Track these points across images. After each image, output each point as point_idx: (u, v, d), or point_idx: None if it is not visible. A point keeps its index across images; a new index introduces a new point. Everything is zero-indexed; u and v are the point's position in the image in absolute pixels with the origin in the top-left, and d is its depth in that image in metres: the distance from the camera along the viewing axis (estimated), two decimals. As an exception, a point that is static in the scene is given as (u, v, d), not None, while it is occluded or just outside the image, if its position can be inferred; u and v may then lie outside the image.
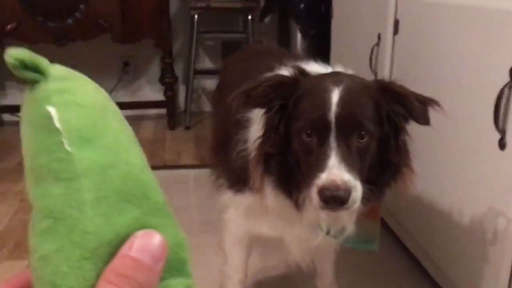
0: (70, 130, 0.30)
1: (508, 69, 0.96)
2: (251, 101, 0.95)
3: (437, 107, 0.92)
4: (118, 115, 0.34)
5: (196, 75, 3.08)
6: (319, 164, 0.87)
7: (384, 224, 1.70)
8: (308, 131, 0.90)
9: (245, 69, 1.33)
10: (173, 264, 0.32)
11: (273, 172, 0.99)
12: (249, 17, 2.94)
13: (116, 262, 0.29)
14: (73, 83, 0.32)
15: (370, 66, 1.65)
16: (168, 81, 2.97)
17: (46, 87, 0.31)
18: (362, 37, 1.78)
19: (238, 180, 1.11)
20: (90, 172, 0.30)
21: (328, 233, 1.05)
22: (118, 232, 0.30)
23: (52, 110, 0.30)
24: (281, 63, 1.14)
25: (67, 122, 0.30)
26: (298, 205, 0.99)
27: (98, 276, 0.29)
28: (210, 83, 3.17)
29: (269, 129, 0.97)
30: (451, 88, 1.20)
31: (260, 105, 0.97)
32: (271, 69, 1.14)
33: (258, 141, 0.99)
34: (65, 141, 0.30)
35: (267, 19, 2.99)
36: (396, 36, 1.54)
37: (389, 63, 1.58)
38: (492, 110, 1.00)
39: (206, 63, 3.37)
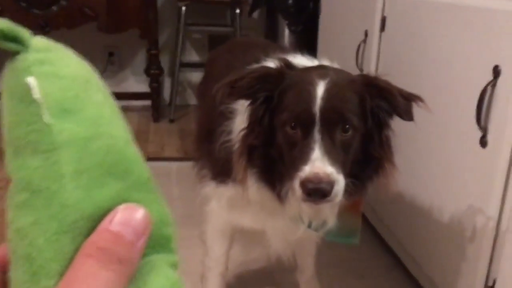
0: (50, 101, 0.29)
1: (491, 67, 0.97)
2: (235, 93, 0.95)
3: (421, 103, 0.93)
4: (101, 88, 0.33)
5: (182, 68, 3.05)
6: (303, 157, 0.87)
7: (365, 220, 1.71)
8: (293, 124, 0.90)
9: (231, 61, 1.33)
10: (157, 240, 0.31)
11: (256, 164, 0.99)
12: (237, 11, 2.92)
13: (95, 236, 0.28)
14: (55, 55, 0.31)
15: (357, 63, 1.66)
16: (153, 72, 2.94)
17: (26, 57, 0.30)
18: (349, 33, 1.79)
19: (222, 171, 1.11)
20: (70, 144, 0.29)
21: (309, 226, 1.05)
22: (99, 206, 0.29)
23: (31, 80, 0.29)
24: (268, 55, 1.14)
25: (47, 93, 0.29)
26: (280, 197, 0.99)
27: (76, 250, 0.28)
28: (196, 76, 3.15)
29: (254, 121, 0.96)
30: (436, 85, 1.21)
31: (245, 97, 0.96)
32: (257, 61, 1.14)
33: (242, 133, 0.99)
34: (44, 112, 0.29)
35: (255, 14, 2.99)
36: (383, 33, 1.55)
37: (375, 60, 1.59)
38: (474, 108, 1.01)
39: (193, 56, 3.35)
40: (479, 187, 1.06)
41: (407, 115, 0.93)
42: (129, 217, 0.29)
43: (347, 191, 0.92)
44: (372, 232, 1.72)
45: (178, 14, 2.89)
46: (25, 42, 0.30)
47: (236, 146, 1.00)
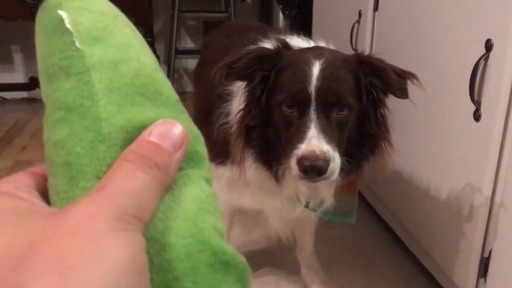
0: (81, 31, 0.31)
1: (484, 41, 0.98)
2: (233, 74, 0.95)
3: (415, 81, 0.94)
4: (129, 24, 0.35)
5: (177, 55, 3.06)
6: (299, 136, 0.88)
7: (362, 198, 1.74)
8: (289, 103, 0.91)
9: (227, 43, 1.33)
10: (191, 156, 0.33)
11: (254, 145, 1.00)
12: (231, -4, 2.92)
13: (134, 145, 0.30)
14: None
15: (351, 43, 1.67)
16: (149, 60, 2.94)
17: None
18: (343, 14, 1.79)
19: (220, 153, 1.12)
20: (101, 66, 0.31)
21: (307, 205, 1.07)
22: (131, 119, 0.31)
23: (63, 13, 0.31)
24: (264, 37, 1.14)
25: (78, 23, 0.31)
26: (277, 177, 1.01)
27: (112, 158, 0.30)
28: (192, 63, 3.15)
29: (251, 102, 0.97)
30: (429, 62, 1.22)
31: (243, 78, 0.97)
32: (253, 43, 1.14)
33: (240, 114, 1.00)
34: (76, 40, 0.31)
35: (249, -1, 2.98)
36: (377, 13, 1.55)
37: (369, 40, 1.60)
38: (468, 82, 1.02)
39: (188, 43, 3.35)
40: (474, 161, 1.08)
41: (401, 93, 0.94)
42: (167, 130, 0.31)
43: (343, 170, 0.93)
44: (370, 210, 1.74)
45: (172, 1, 2.88)
46: None
47: (234, 127, 1.01)
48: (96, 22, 0.32)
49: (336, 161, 0.88)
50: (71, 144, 0.30)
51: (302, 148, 0.86)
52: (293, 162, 0.88)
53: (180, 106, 0.34)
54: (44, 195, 0.31)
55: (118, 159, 0.29)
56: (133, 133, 0.31)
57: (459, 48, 1.10)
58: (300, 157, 0.86)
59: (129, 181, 0.28)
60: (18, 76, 3.24)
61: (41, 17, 0.33)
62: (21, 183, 0.31)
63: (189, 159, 0.33)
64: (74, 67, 0.31)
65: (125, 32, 0.33)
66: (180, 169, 0.32)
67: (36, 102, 3.18)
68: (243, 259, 0.32)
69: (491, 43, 0.97)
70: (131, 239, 0.26)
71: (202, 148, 0.34)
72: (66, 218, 0.26)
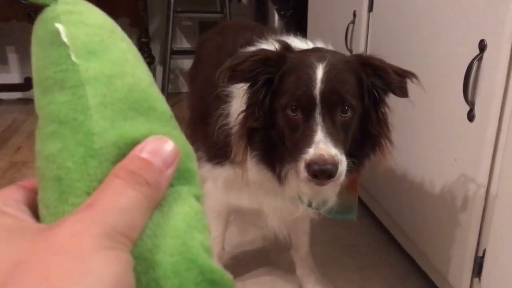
0: (77, 44, 0.31)
1: (477, 42, 0.99)
2: (237, 76, 0.95)
3: (415, 80, 0.94)
4: (126, 39, 0.35)
5: (173, 55, 3.05)
6: (306, 140, 0.88)
7: (358, 198, 1.74)
8: (293, 107, 0.91)
9: (222, 43, 1.33)
10: (182, 173, 0.33)
11: (256, 147, 1.00)
12: (226, -3, 2.92)
13: (126, 161, 0.30)
14: (82, 7, 0.33)
15: (346, 44, 1.67)
16: (144, 61, 2.93)
17: (55, 8, 0.32)
18: (338, 15, 1.80)
19: (218, 153, 1.12)
20: (95, 80, 0.31)
21: (310, 205, 1.08)
22: (124, 136, 0.31)
23: (60, 26, 0.31)
24: (260, 37, 1.14)
25: (75, 37, 0.31)
26: (280, 178, 1.01)
27: (103, 174, 0.30)
28: (187, 64, 3.15)
29: (253, 104, 0.97)
30: (424, 62, 1.23)
31: (246, 80, 0.97)
32: (249, 43, 1.14)
33: (241, 115, 0.99)
34: (71, 54, 0.31)
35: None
36: (371, 13, 1.56)
37: (364, 40, 1.60)
38: (462, 83, 1.03)
39: (184, 43, 3.35)
40: (468, 161, 1.08)
41: (401, 92, 0.95)
42: (159, 147, 0.31)
43: (348, 170, 0.94)
44: (365, 210, 1.75)
45: (167, 1, 2.88)
46: None
47: (235, 128, 1.01)
48: (93, 36, 0.32)
49: (343, 164, 0.89)
50: (63, 159, 0.30)
51: (311, 153, 0.87)
52: (301, 166, 0.88)
53: (174, 122, 0.35)
54: (34, 209, 0.31)
55: (109, 176, 0.29)
56: (125, 149, 0.31)
57: (453, 48, 1.10)
58: (309, 161, 0.87)
59: (119, 199, 0.28)
60: (13, 76, 3.23)
61: (38, 29, 0.33)
62: (10, 198, 0.31)
63: (180, 176, 0.33)
64: (69, 81, 0.31)
65: (121, 47, 0.33)
66: (171, 185, 0.32)
67: (31, 103, 3.14)
68: (230, 277, 0.32)
69: (484, 44, 0.98)
70: (119, 257, 0.26)
71: (193, 165, 0.34)
72: (53, 236, 0.26)
